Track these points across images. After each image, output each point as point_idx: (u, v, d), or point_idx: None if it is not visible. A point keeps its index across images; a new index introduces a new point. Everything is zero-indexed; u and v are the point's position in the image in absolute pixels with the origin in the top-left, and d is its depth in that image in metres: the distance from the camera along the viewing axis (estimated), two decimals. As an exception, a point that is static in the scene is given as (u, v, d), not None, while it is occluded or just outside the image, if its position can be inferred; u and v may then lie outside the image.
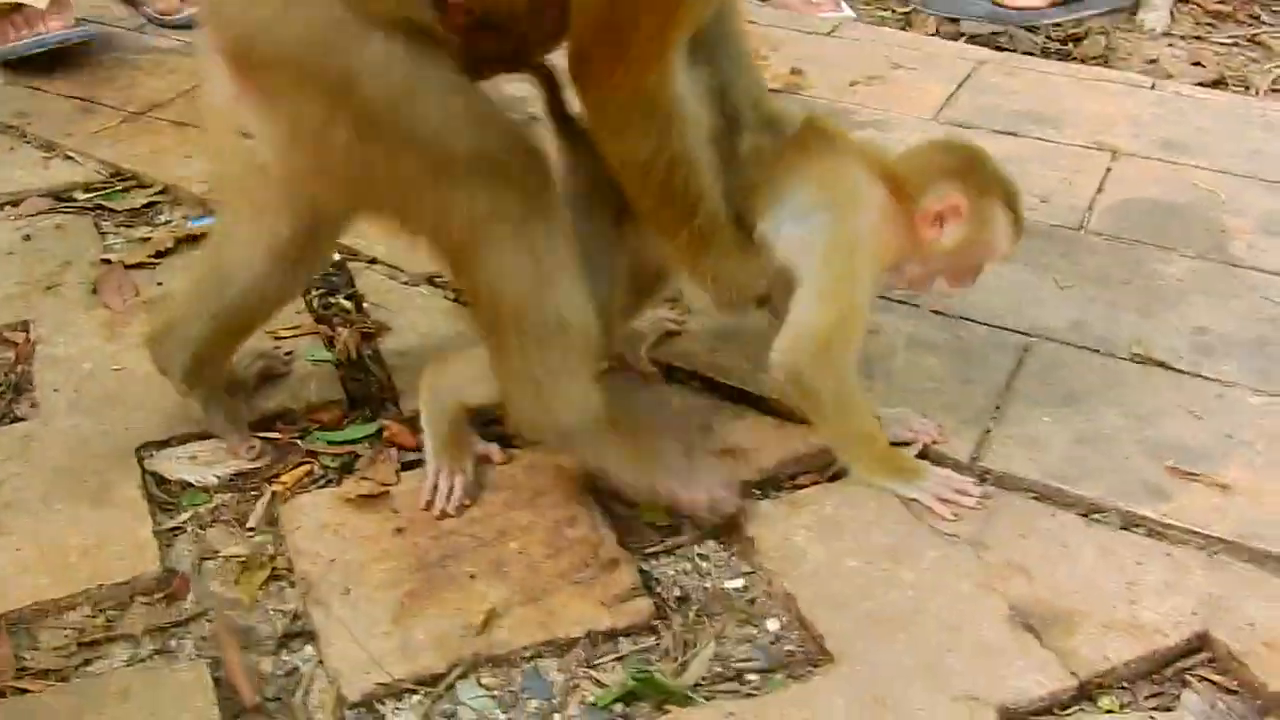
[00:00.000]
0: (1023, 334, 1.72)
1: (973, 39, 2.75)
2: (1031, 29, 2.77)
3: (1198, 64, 2.65)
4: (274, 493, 1.50)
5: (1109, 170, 2.11)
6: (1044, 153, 2.16)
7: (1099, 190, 2.05)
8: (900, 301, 1.77)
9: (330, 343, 1.72)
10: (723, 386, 1.63)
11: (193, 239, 1.94)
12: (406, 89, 1.26)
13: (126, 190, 2.09)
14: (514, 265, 1.32)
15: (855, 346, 1.44)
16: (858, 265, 1.42)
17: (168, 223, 2.02)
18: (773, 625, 1.34)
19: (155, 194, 2.08)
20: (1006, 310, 1.77)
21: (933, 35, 2.77)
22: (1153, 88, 2.41)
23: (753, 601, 1.37)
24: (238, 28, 1.29)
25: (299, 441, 1.57)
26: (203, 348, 1.52)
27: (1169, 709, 1.24)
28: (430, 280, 1.83)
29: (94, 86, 2.40)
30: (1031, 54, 2.66)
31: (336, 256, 1.89)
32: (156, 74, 2.44)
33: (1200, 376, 1.64)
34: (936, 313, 1.76)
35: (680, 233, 1.40)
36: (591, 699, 1.26)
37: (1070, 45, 2.74)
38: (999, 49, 2.66)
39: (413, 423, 1.58)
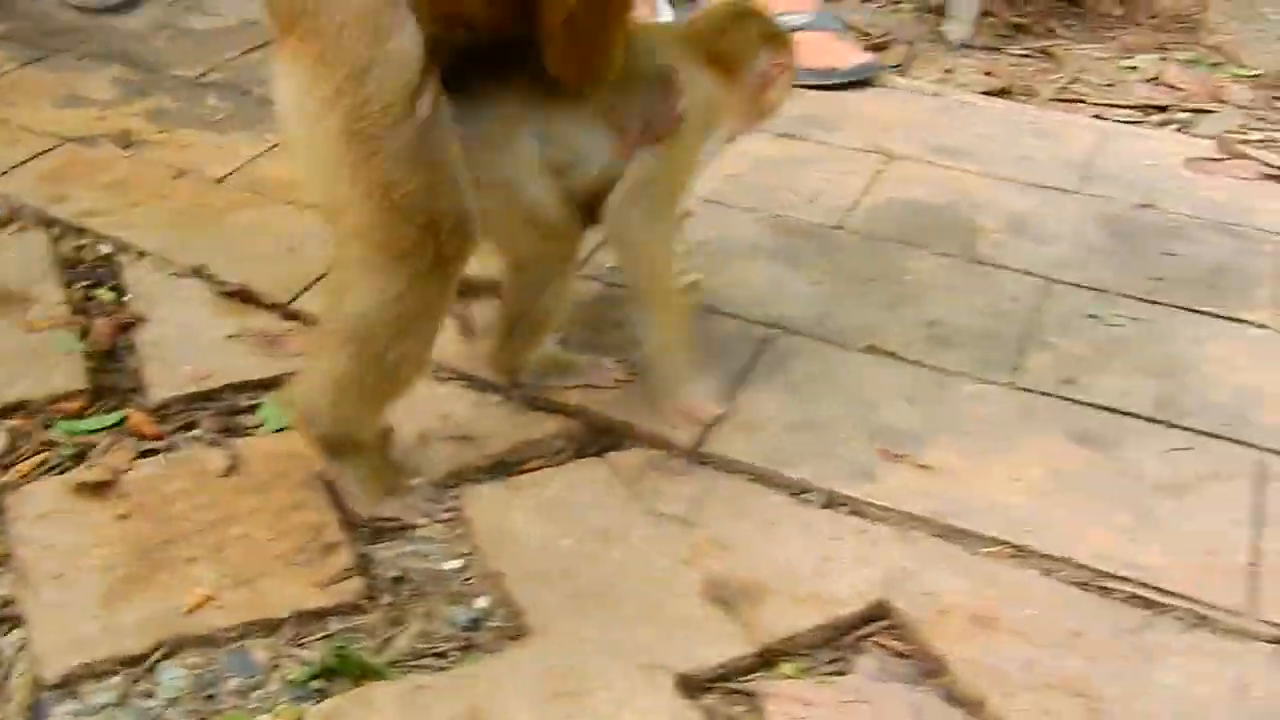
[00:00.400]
0: (766, 326, 1.79)
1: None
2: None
3: (989, 74, 2.76)
4: (4, 482, 1.51)
5: (879, 172, 2.20)
6: (819, 155, 2.25)
7: (864, 191, 2.14)
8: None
9: (84, 334, 1.73)
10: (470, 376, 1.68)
11: (-37, 233, 1.94)
12: (402, 108, 1.27)
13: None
14: (376, 317, 1.36)
15: (679, 205, 1.61)
16: (690, 134, 1.55)
17: (-58, 217, 2.02)
18: (481, 603, 1.38)
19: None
20: (755, 304, 1.84)
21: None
22: (935, 95, 2.51)
23: (467, 581, 1.42)
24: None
25: (40, 431, 1.58)
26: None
27: (843, 673, 1.31)
28: (197, 272, 1.85)
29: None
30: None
31: (105, 250, 1.91)
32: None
33: (925, 366, 1.72)
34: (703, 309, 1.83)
35: None
36: (292, 676, 1.29)
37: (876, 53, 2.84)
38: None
39: (158, 413, 1.61)
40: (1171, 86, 2.72)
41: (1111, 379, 1.70)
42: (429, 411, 1.61)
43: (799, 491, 1.51)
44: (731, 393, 1.65)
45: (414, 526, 1.48)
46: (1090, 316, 1.83)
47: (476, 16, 1.38)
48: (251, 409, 1.64)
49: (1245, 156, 2.26)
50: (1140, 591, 1.38)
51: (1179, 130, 2.51)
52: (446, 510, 1.49)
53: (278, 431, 1.59)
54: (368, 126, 1.28)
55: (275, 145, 2.18)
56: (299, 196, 2.04)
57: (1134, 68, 2.82)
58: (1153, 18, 3.01)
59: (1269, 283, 1.92)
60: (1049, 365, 1.72)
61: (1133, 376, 1.70)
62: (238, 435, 1.59)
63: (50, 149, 2.15)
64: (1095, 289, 1.89)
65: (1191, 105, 2.62)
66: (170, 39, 2.59)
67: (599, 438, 1.60)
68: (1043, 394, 1.67)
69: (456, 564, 1.44)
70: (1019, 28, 2.98)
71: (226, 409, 1.64)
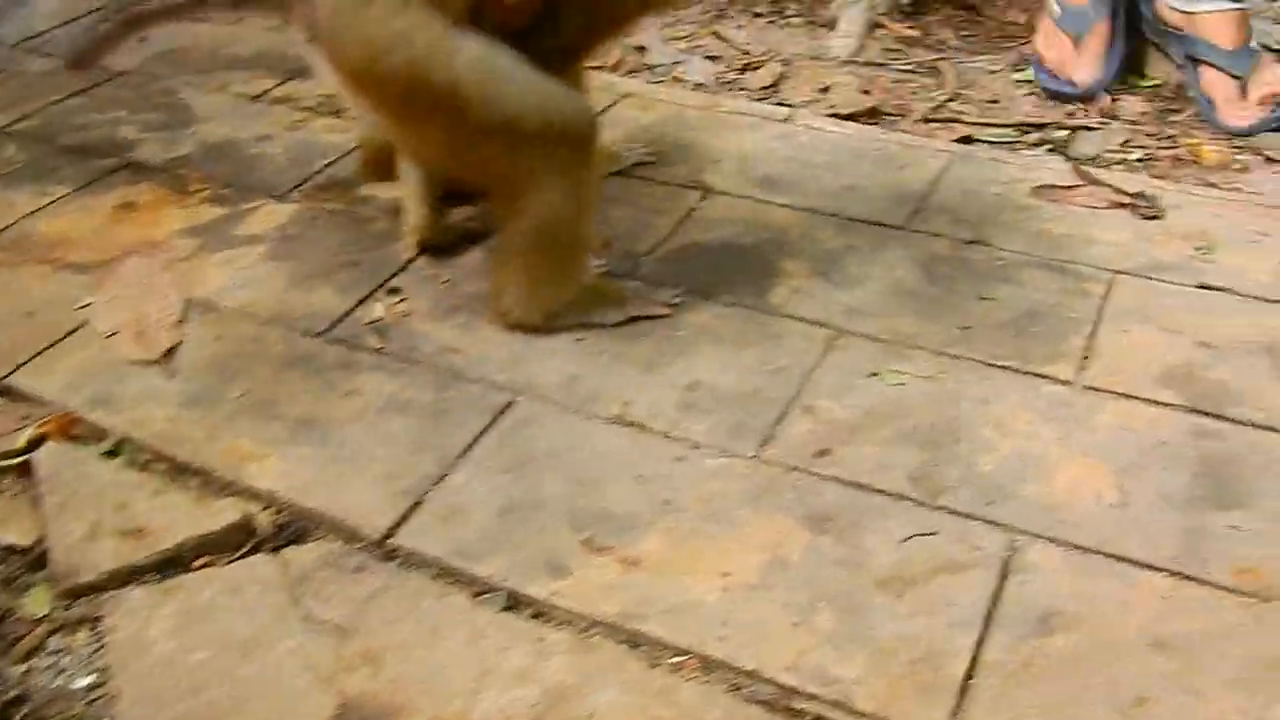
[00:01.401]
0: (510, 391, 1.64)
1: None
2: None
3: (865, 92, 2.57)
4: None
5: (691, 211, 2.03)
6: (633, 191, 2.08)
7: (670, 233, 1.97)
8: (395, 357, 1.70)
9: None
10: (168, 458, 1.55)
11: None
12: (493, 87, 1.58)
13: None
14: (561, 201, 1.67)
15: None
16: None
17: None
18: (100, 727, 1.26)
19: None
20: (507, 364, 1.68)
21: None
22: (785, 120, 2.33)
23: (94, 702, 1.28)
24: (357, 54, 1.57)
25: None
26: None
27: (466, 815, 1.16)
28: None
29: None
30: (695, 87, 2.58)
31: None
32: None
33: (670, 437, 1.55)
34: (439, 369, 1.68)
35: None
36: None
37: (747, 74, 2.67)
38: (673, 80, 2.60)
39: None
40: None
41: (871, 449, 1.52)
42: (106, 501, 1.48)
43: (481, 591, 1.36)
44: (444, 472, 1.50)
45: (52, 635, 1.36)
46: (871, 375, 1.65)
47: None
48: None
49: (1097, 182, 2.05)
50: (829, 713, 1.21)
51: (1052, 150, 2.30)
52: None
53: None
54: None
55: (57, 199, 2.08)
56: (61, 256, 1.93)
57: (1028, 80, 2.61)
58: (1057, 24, 2.80)
59: (1083, 330, 1.72)
60: (806, 434, 1.55)
61: (896, 446, 1.52)
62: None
63: None
64: (887, 341, 1.71)
65: (1074, 122, 2.41)
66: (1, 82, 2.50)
67: (284, 529, 1.46)
68: (790, 468, 1.50)
69: (88, 681, 1.31)
70: (910, 41, 2.79)
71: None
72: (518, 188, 1.68)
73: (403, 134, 1.75)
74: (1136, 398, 1.59)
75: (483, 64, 1.57)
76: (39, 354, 1.72)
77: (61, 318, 1.79)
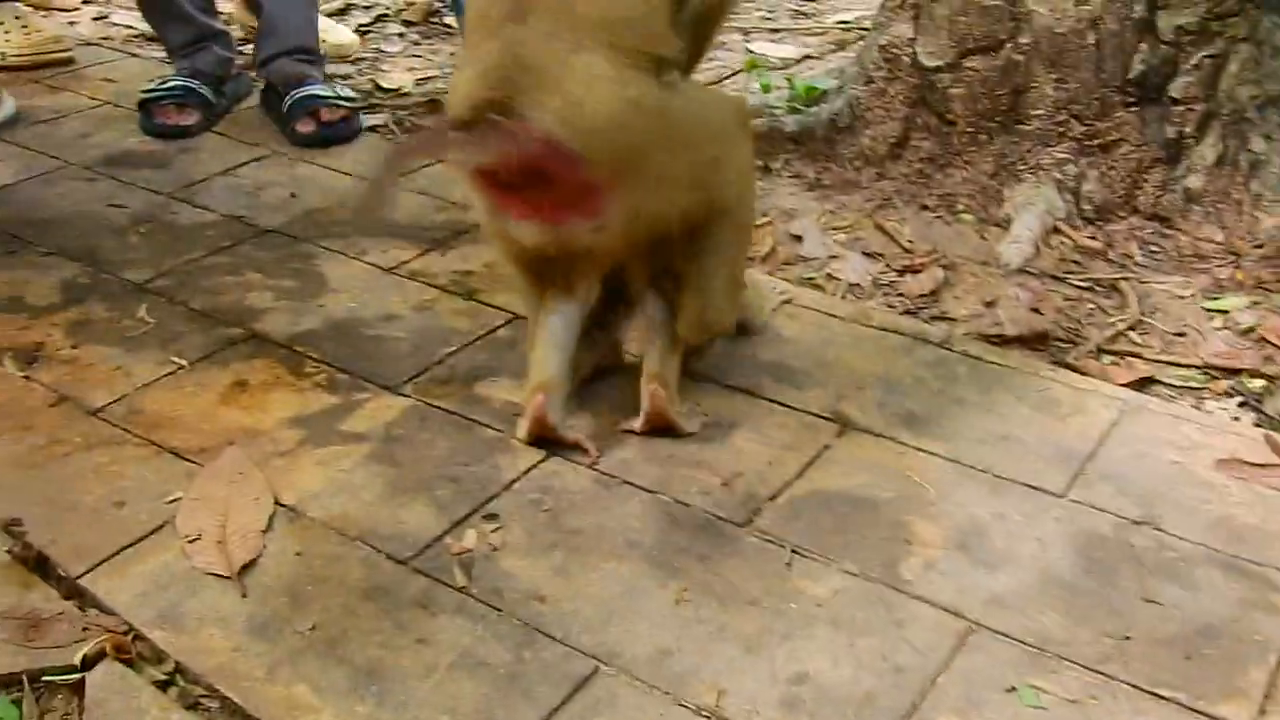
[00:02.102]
0: (593, 659, 1.48)
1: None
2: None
3: (1036, 309, 2.37)
4: None
5: (825, 449, 1.86)
6: (764, 419, 1.91)
7: (799, 474, 1.80)
8: (478, 599, 1.56)
9: None
10: (221, 697, 1.44)
11: None
12: (695, 109, 1.80)
13: None
14: (752, 189, 1.98)
15: None
16: None
17: None
18: None
19: None
20: (596, 623, 1.53)
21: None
22: (942, 344, 2.14)
23: None
24: (612, 147, 1.64)
25: None
26: None
27: None
28: (7, 527, 1.69)
29: None
30: (849, 289, 2.42)
31: (-63, 490, 1.78)
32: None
33: (766, 744, 1.37)
34: (521, 622, 1.53)
35: None
36: None
37: (906, 277, 2.50)
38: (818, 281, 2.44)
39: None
40: (1265, 340, 2.26)
41: (998, 794, 1.30)
42: None
43: None
44: (508, 758, 1.35)
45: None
46: (1008, 690, 1.43)
47: None
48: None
49: (1296, 460, 1.80)
50: None
51: (1244, 404, 2.05)
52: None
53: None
54: None
55: (175, 371, 2.03)
56: (165, 438, 1.87)
57: (1223, 310, 2.37)
58: (1258, 246, 2.55)
59: (1269, 658, 1.47)
60: (922, 762, 1.34)
61: (1027, 793, 1.30)
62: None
63: (-48, 362, 2.07)
64: (1030, 646, 1.49)
65: (1272, 370, 2.15)
66: (147, 234, 2.51)
67: (323, 807, 1.32)
68: (898, 806, 1.29)
69: None
70: (1091, 253, 2.57)
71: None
72: (735, 189, 1.86)
73: (635, 199, 1.72)
74: (1328, 764, 1.34)
75: (679, 95, 1.74)
76: (118, 553, 1.64)
77: (150, 511, 1.72)
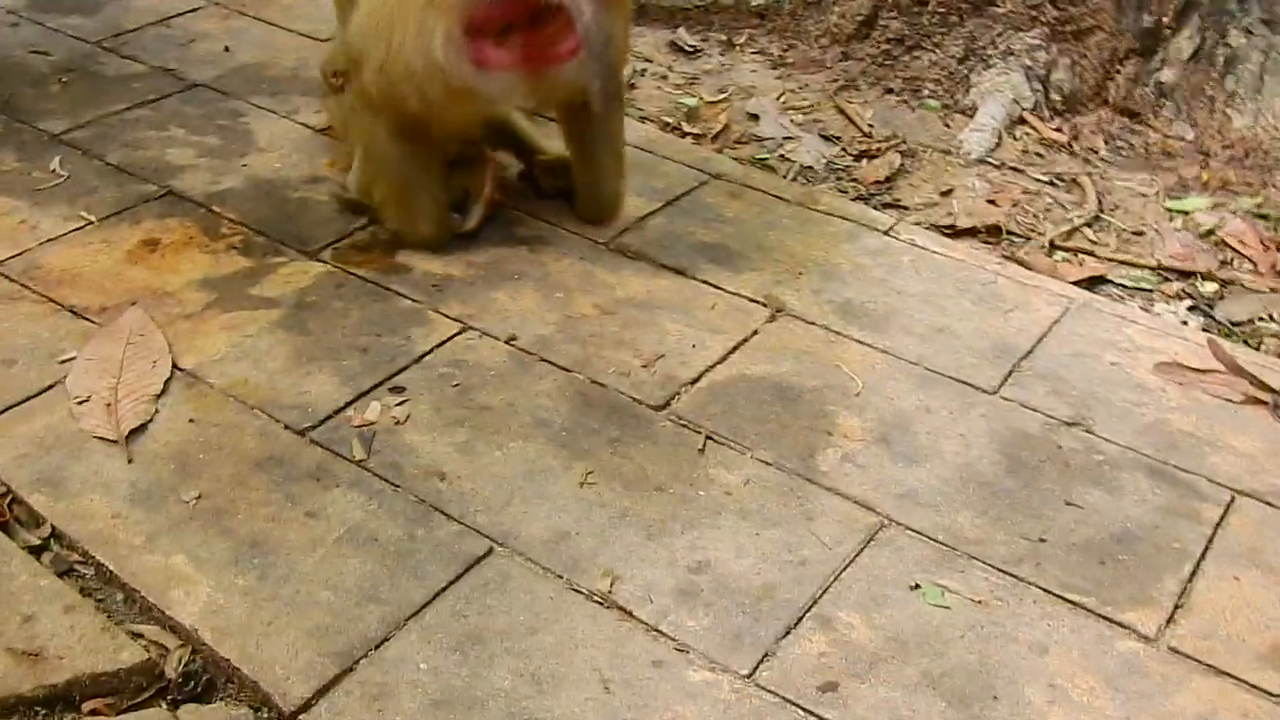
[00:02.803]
0: (488, 539, 1.42)
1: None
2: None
3: (992, 201, 2.28)
4: None
5: (753, 334, 1.78)
6: (694, 301, 1.84)
7: (722, 359, 1.73)
8: (374, 474, 1.50)
9: None
10: (95, 563, 1.38)
11: None
12: None
13: None
14: None
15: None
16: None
17: None
18: None
19: None
20: (496, 503, 1.47)
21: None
22: (887, 232, 2.06)
23: None
24: None
25: None
26: None
27: None
28: (-109, 382, 1.62)
29: None
30: (801, 171, 2.32)
31: None
32: None
33: (655, 632, 1.32)
34: (417, 498, 1.47)
35: None
36: None
37: (862, 162, 2.40)
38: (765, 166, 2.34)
39: None
40: (1224, 243, 2.18)
41: (887, 692, 1.26)
42: (15, 608, 1.32)
43: (383, 808, 1.15)
44: (386, 635, 1.30)
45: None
46: (911, 587, 1.38)
47: None
48: None
49: (1237, 369, 1.73)
50: None
51: (1194, 308, 1.99)
52: None
53: None
54: None
55: (82, 226, 1.94)
56: (65, 295, 1.78)
57: (1184, 211, 2.28)
58: (1228, 147, 2.45)
59: (1183, 568, 1.42)
60: (814, 658, 1.29)
61: (919, 693, 1.26)
62: None
63: None
64: (940, 543, 1.44)
65: (1227, 275, 2.08)
66: (69, 84, 2.38)
67: (190, 679, 1.27)
68: (784, 702, 1.24)
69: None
70: (1055, 145, 2.47)
71: None
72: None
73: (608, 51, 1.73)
74: (1230, 676, 1.29)
75: None
76: (2, 412, 1.57)
77: (41, 370, 1.64)
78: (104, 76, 2.41)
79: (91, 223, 1.95)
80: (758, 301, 1.85)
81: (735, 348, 1.76)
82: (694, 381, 1.69)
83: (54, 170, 2.09)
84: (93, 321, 1.74)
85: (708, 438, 1.59)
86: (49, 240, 1.91)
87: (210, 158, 2.15)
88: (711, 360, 1.73)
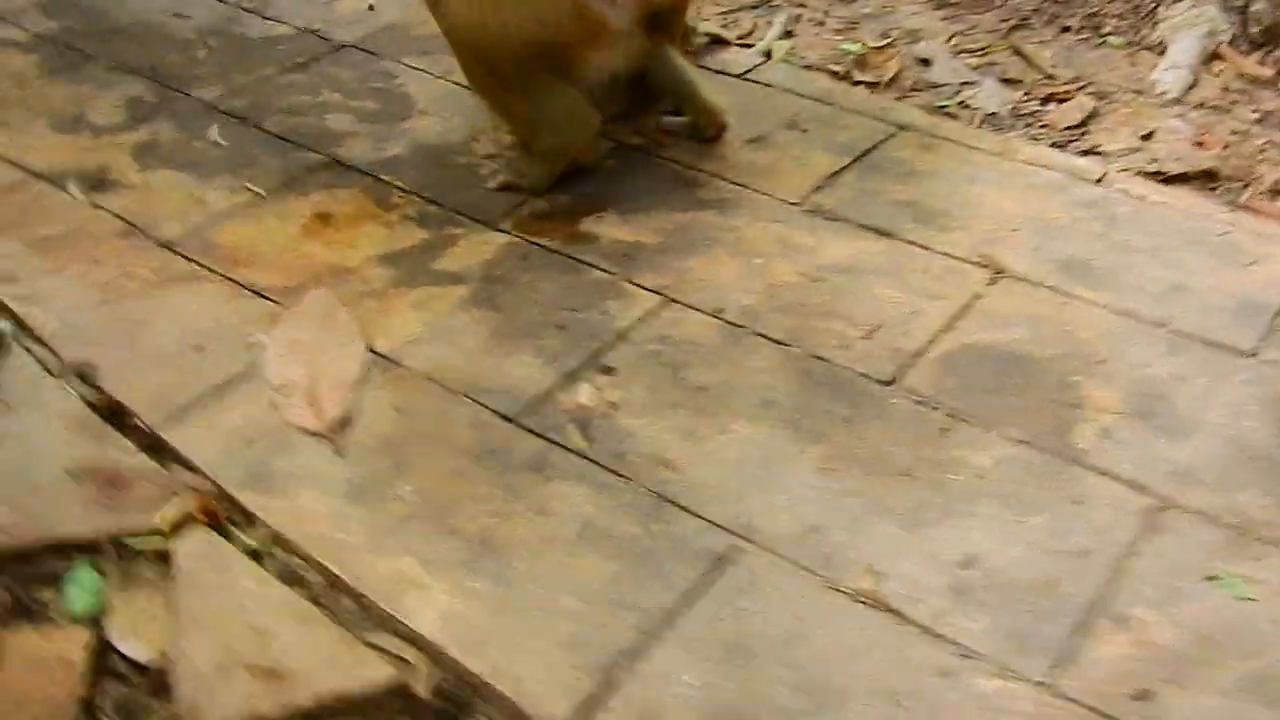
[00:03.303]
0: (731, 534, 1.32)
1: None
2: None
3: (1200, 144, 2.11)
4: None
5: (976, 298, 1.65)
6: (902, 264, 1.71)
7: (946, 328, 1.60)
8: (598, 464, 1.40)
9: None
10: (321, 570, 1.30)
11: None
12: None
13: None
14: None
15: None
16: None
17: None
18: None
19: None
20: (732, 495, 1.36)
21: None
22: (1099, 181, 1.91)
23: None
24: None
25: None
26: None
27: None
28: (81, 374, 1.54)
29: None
30: (985, 119, 2.17)
31: (4, 326, 1.63)
32: None
33: (934, 635, 1.21)
34: (648, 490, 1.37)
35: None
36: None
37: (1050, 106, 2.24)
38: (943, 113, 2.19)
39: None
40: None
41: (1210, 700, 1.14)
42: (246, 622, 1.24)
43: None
44: (638, 643, 1.20)
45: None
46: (1209, 579, 1.26)
47: None
48: (54, 581, 1.31)
49: None
50: None
51: None
52: None
53: (73, 621, 1.26)
54: None
55: (252, 201, 1.85)
56: (245, 274, 1.70)
57: None
58: None
59: None
60: (1119, 660, 1.18)
61: (1246, 699, 1.14)
62: (22, 615, 1.27)
63: (12, 186, 1.89)
64: (1229, 526, 1.31)
65: None
66: (216, 48, 2.30)
67: (444, 697, 1.18)
68: (1093, 711, 1.13)
69: None
70: (1259, 81, 2.29)
71: (23, 576, 1.32)
72: None
73: None
74: None
75: None
76: (199, 401, 1.50)
77: (233, 357, 1.56)
78: (249, 39, 2.32)
79: (260, 195, 1.87)
80: (973, 262, 1.72)
81: (958, 314, 1.63)
82: (920, 353, 1.57)
83: (213, 140, 2.01)
84: (277, 302, 1.65)
85: (948, 415, 1.47)
86: (219, 215, 1.83)
87: (370, 123, 2.05)
88: (934, 329, 1.60)
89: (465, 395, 1.50)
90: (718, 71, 2.22)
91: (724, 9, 2.62)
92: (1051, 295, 1.66)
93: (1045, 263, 1.72)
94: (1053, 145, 2.07)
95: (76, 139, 2.01)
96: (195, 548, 1.32)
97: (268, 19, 2.40)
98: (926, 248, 1.75)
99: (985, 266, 1.71)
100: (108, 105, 2.11)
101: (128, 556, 1.33)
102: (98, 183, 1.90)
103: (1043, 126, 2.18)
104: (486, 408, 1.49)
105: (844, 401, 1.49)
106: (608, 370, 1.54)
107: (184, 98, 2.13)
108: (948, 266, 1.72)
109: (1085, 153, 2.06)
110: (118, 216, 1.82)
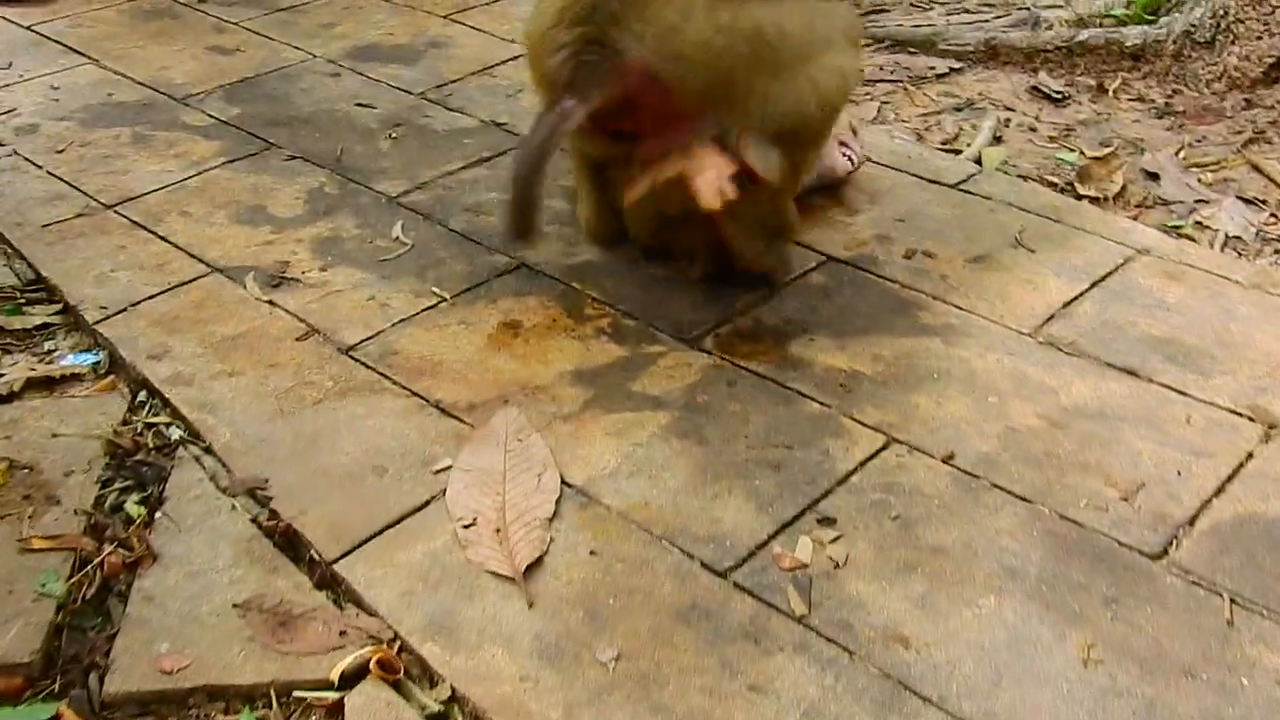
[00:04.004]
0: (981, 740, 1.13)
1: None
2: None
3: None
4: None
5: (1248, 458, 1.44)
6: (1160, 412, 1.51)
7: (1218, 490, 1.39)
8: (821, 635, 1.22)
9: (80, 565, 1.35)
10: None
11: (50, 382, 1.64)
12: (781, 23, 1.57)
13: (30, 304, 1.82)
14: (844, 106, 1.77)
15: None
16: None
17: (49, 353, 1.72)
18: None
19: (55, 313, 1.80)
20: (982, 684, 1.17)
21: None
22: (1380, 322, 1.68)
23: None
24: (708, 74, 1.53)
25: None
26: None
27: None
28: (253, 493, 1.43)
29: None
30: (1228, 242, 1.96)
31: (174, 434, 1.53)
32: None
33: None
34: (881, 672, 1.19)
35: None
36: None
37: (1302, 230, 2.02)
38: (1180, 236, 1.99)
39: (101, 715, 1.19)
40: None
41: None
42: None
43: None
44: None
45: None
46: None
47: None
48: (216, 730, 1.18)
49: None
50: None
51: None
52: None
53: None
54: None
55: (436, 305, 1.74)
56: (429, 386, 1.58)
57: None
58: None
59: None
60: None
61: None
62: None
63: (191, 280, 1.82)
64: None
65: None
66: (399, 139, 2.22)
67: None
68: None
69: None
70: None
71: (184, 723, 1.20)
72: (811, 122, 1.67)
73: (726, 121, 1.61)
74: None
75: (778, 10, 1.59)
76: (379, 533, 1.37)
77: (415, 481, 1.44)
78: (433, 131, 2.24)
79: (444, 300, 1.76)
80: (1241, 414, 1.51)
81: (1230, 476, 1.42)
82: (1191, 521, 1.36)
83: (397, 238, 1.91)
84: (463, 421, 1.53)
85: (1232, 601, 1.26)
86: (401, 320, 1.72)
87: (559, 224, 1.94)
88: (1205, 493, 1.39)
89: (669, 541, 1.35)
90: (931, 180, 2.05)
91: (924, 110, 2.47)
92: (1340, 459, 1.44)
93: (1329, 419, 1.50)
94: (1313, 277, 1.85)
95: (256, 231, 1.94)
96: (370, 705, 1.18)
97: (451, 110, 2.32)
98: (1184, 393, 1.55)
99: (1256, 420, 1.50)
100: (289, 196, 2.04)
101: (295, 708, 1.20)
102: (277, 280, 1.82)
103: (1295, 254, 1.97)
104: (693, 558, 1.33)
105: (1105, 576, 1.29)
106: (828, 521, 1.37)
107: (367, 191, 2.05)
108: (1212, 418, 1.51)
109: (1353, 288, 1.84)
110: (296, 317, 1.73)
